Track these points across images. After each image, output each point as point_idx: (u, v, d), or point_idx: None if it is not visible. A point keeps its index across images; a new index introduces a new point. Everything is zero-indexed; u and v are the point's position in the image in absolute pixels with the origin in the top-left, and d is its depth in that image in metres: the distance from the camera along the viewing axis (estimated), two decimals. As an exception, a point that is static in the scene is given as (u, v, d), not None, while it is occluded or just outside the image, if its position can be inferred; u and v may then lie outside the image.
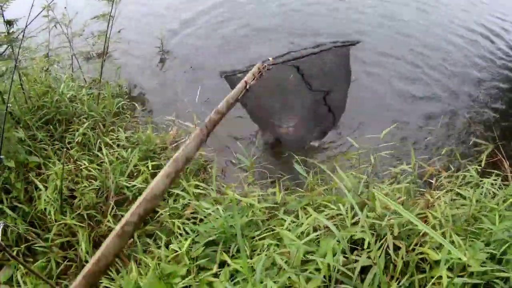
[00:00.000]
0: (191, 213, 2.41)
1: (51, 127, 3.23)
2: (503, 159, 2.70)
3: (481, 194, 2.23)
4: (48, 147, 2.97)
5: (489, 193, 2.29)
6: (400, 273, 1.69)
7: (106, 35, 3.74)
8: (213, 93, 4.21)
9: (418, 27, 5.76)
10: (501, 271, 1.67)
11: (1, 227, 1.85)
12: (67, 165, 2.71)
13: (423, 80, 4.70)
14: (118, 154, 2.92)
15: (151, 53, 5.20)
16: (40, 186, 2.53)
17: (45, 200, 2.48)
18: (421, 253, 1.74)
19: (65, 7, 3.92)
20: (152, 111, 4.19)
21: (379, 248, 1.72)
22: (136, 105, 4.08)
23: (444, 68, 4.91)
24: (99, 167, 2.77)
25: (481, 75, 4.87)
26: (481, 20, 6.00)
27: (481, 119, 4.27)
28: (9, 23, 2.96)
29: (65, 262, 2.37)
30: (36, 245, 2.36)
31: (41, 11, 3.42)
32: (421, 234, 1.83)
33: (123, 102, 3.86)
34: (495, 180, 2.35)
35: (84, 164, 2.76)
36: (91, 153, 2.95)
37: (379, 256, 1.68)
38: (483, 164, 2.29)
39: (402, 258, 1.72)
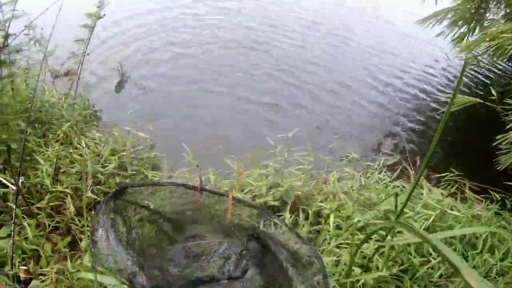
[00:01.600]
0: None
1: (36, 125, 4.22)
2: (408, 167, 4.12)
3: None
4: (35, 140, 4.00)
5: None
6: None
7: (83, 56, 4.84)
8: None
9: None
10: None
11: (21, 181, 2.86)
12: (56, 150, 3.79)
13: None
14: (94, 148, 4.02)
15: (111, 74, 6.41)
16: (41, 160, 3.54)
17: (42, 172, 3.53)
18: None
19: (42, 28, 4.91)
20: (111, 121, 5.17)
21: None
22: (101, 117, 5.20)
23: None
24: (80, 156, 3.87)
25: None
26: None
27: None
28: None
29: (53, 223, 3.33)
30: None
31: (23, 30, 4.43)
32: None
33: (91, 112, 4.95)
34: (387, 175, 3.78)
35: (69, 153, 3.85)
36: (71, 147, 4.02)
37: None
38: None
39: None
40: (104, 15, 4.66)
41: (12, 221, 2.53)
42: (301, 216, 3.14)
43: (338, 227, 3.07)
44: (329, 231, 2.99)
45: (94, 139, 4.20)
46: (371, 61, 7.83)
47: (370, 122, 6.07)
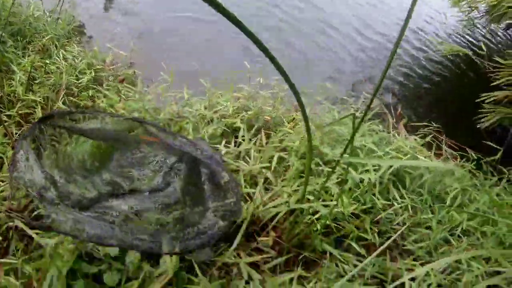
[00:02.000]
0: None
1: (18, 38, 4.21)
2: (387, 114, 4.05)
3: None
4: (15, 52, 4.00)
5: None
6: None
7: None
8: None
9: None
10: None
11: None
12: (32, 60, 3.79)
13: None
14: (72, 61, 4.01)
15: None
16: (16, 69, 3.54)
17: (16, 81, 3.53)
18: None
19: None
20: (94, 38, 5.17)
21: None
22: (85, 31, 5.17)
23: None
24: (56, 69, 3.86)
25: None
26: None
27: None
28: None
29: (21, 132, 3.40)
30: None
31: None
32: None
33: (74, 27, 4.91)
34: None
35: (45, 63, 3.85)
36: (49, 59, 4.01)
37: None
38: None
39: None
40: None
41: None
42: (263, 139, 3.08)
43: (302, 157, 2.99)
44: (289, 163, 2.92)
45: (73, 53, 4.17)
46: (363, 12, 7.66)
47: (355, 67, 5.99)
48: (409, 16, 1.20)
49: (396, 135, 3.51)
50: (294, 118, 3.46)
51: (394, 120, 3.85)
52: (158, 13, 6.17)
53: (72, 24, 4.87)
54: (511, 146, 3.85)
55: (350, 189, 2.65)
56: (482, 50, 4.02)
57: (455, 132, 4.11)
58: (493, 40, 7.62)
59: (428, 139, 3.48)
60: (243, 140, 2.98)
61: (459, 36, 7.32)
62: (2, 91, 3.49)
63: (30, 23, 4.36)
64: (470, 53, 3.93)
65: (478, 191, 3.03)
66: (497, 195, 3.00)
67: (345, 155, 1.74)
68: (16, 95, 3.46)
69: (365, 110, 1.59)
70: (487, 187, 3.12)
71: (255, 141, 3.03)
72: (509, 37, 7.78)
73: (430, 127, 3.79)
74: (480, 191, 3.06)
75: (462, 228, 2.62)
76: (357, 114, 3.66)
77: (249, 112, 3.31)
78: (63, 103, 3.53)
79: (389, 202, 2.74)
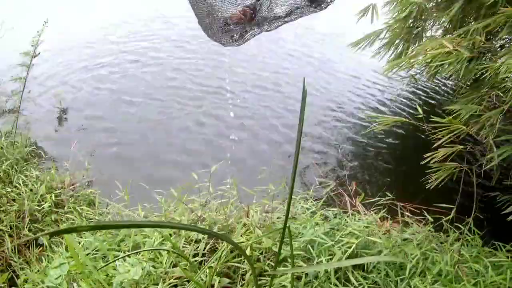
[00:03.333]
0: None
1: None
2: (343, 193, 4.40)
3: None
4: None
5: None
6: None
7: (21, 94, 5.17)
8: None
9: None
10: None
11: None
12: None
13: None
14: (32, 186, 4.34)
15: (52, 110, 6.73)
16: None
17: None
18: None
19: None
20: (53, 158, 5.53)
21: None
22: (42, 153, 5.46)
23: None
24: (17, 195, 4.17)
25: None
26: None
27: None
28: None
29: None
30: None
31: None
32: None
33: (30, 150, 5.23)
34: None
35: (7, 192, 4.16)
36: (10, 185, 4.32)
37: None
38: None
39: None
40: (39, 53, 5.02)
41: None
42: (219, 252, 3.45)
43: (257, 260, 3.36)
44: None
45: (33, 177, 4.49)
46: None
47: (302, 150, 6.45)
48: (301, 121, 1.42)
49: (356, 213, 3.90)
50: (245, 224, 3.84)
51: (351, 198, 4.26)
52: (109, 122, 6.69)
53: (28, 147, 5.19)
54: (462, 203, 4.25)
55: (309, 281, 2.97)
56: (419, 113, 4.47)
57: (410, 196, 4.47)
58: (438, 90, 8.49)
59: (383, 212, 3.89)
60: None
61: (401, 98, 8.13)
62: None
63: None
64: (406, 120, 4.40)
65: (439, 253, 3.31)
66: (458, 252, 3.32)
67: (279, 269, 2.10)
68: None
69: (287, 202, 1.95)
70: (447, 246, 3.43)
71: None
72: (450, 86, 8.64)
73: (386, 198, 4.10)
74: (441, 252, 3.34)
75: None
76: (308, 204, 4.10)
77: (204, 223, 3.69)
78: (29, 230, 3.84)
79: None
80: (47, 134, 6.17)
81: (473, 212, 3.80)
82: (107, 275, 2.92)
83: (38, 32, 4.84)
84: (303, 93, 1.38)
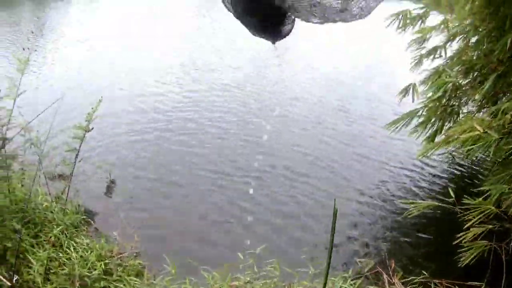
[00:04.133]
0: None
1: (29, 225, 4.70)
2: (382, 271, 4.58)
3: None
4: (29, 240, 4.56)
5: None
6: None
7: (74, 164, 5.50)
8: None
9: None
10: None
11: (15, 279, 3.38)
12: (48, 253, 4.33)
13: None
14: (82, 253, 4.56)
15: (102, 180, 7.11)
16: (33, 261, 4.06)
17: (34, 271, 4.04)
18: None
19: (37, 130, 5.51)
20: (100, 225, 5.76)
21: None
22: (91, 222, 5.71)
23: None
24: (68, 260, 4.40)
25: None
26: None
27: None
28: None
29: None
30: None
31: (19, 132, 5.02)
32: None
33: (81, 217, 5.47)
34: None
35: (59, 256, 4.39)
36: (61, 250, 4.56)
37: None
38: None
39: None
40: (92, 128, 5.34)
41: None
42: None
43: None
44: None
45: (83, 245, 4.71)
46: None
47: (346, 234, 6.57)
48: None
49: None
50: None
51: (390, 277, 4.42)
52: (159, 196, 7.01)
53: (79, 214, 5.42)
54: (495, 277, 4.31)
55: None
56: (451, 196, 4.63)
57: (445, 272, 4.66)
58: (473, 166, 8.56)
59: None
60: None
61: (436, 178, 8.22)
62: (22, 278, 4.00)
63: (39, 212, 4.92)
64: (438, 204, 4.60)
65: None
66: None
67: None
68: (34, 283, 3.99)
69: None
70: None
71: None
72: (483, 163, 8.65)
73: (422, 276, 4.32)
74: None
75: None
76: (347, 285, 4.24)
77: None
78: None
79: None
80: (96, 202, 6.45)
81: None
82: None
83: (92, 108, 5.19)
84: (334, 216, 1.52)
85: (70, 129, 5.60)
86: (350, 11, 1.87)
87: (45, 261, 4.14)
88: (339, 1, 1.83)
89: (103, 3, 27.70)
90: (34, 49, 4.90)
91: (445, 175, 8.43)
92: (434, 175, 8.38)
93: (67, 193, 5.43)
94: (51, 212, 5.05)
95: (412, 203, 5.21)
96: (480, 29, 5.84)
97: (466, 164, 8.76)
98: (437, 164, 8.74)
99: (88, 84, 11.62)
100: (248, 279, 4.19)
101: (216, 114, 10.56)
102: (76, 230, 5.11)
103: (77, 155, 5.32)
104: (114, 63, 14.15)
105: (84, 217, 5.52)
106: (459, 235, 4.63)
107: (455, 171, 8.57)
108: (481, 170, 8.44)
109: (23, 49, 4.92)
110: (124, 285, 4.19)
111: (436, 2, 6.96)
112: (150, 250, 5.33)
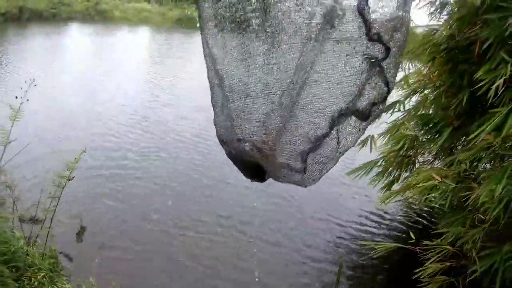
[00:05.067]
0: None
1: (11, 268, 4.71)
2: None
3: None
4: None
5: None
6: None
7: (54, 211, 5.54)
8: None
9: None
10: None
11: None
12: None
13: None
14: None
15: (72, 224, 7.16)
16: None
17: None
18: None
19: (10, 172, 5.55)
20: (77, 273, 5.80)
21: None
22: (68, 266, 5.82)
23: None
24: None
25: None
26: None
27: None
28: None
29: None
30: None
31: None
32: None
33: (55, 261, 5.53)
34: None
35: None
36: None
37: None
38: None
39: None
40: (74, 177, 5.46)
41: None
42: None
43: None
44: None
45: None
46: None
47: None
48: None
49: None
50: None
51: None
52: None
53: (54, 257, 5.53)
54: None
55: None
56: (411, 238, 5.11)
57: None
58: (430, 211, 9.11)
59: None
60: None
61: (395, 222, 8.85)
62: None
63: (19, 256, 4.95)
64: (400, 245, 5.07)
65: None
66: None
67: None
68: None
69: None
70: None
71: None
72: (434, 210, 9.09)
73: None
74: None
75: None
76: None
77: None
78: None
79: None
80: (68, 247, 6.53)
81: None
82: None
83: (76, 158, 5.33)
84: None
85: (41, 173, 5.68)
86: (310, 178, 2.14)
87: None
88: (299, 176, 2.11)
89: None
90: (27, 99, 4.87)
91: (403, 221, 9.05)
92: (392, 220, 9.01)
93: (46, 240, 5.49)
94: (27, 255, 5.08)
95: (376, 245, 5.66)
96: (438, 85, 6.41)
97: (420, 210, 9.41)
98: (394, 211, 9.38)
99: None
100: None
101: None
102: (55, 274, 5.18)
103: (57, 202, 5.40)
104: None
105: (60, 262, 5.56)
106: (417, 270, 5.12)
107: (411, 217, 9.22)
108: (434, 215, 9.06)
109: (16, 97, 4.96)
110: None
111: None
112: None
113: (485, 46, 4.78)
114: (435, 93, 6.67)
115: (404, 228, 8.61)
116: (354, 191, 10.06)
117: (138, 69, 20.65)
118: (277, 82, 1.88)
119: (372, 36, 1.77)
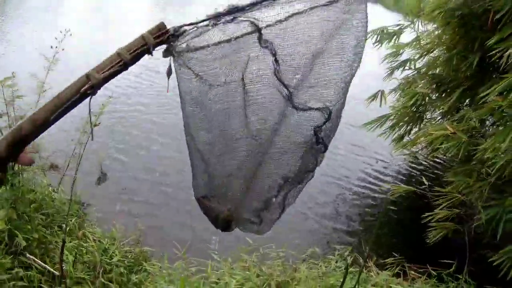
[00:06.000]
0: None
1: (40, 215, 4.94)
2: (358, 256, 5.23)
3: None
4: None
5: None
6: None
7: (80, 158, 5.80)
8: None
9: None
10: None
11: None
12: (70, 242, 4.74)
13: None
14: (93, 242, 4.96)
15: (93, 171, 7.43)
16: (67, 252, 4.43)
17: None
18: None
19: None
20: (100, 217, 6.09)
21: None
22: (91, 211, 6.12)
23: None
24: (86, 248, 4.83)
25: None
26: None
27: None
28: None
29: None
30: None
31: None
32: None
33: (80, 206, 5.90)
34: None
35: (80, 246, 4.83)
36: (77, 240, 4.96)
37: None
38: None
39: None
40: (100, 123, 5.70)
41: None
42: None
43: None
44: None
45: (94, 233, 5.17)
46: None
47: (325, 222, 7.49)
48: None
49: (371, 273, 4.75)
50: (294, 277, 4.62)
51: (365, 261, 5.04)
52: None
53: (80, 205, 5.87)
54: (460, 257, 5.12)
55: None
56: (424, 183, 5.41)
57: (417, 254, 5.58)
58: (436, 166, 9.62)
59: (397, 270, 4.81)
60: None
61: (405, 172, 9.39)
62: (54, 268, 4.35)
63: (46, 203, 5.24)
64: (414, 189, 5.40)
65: None
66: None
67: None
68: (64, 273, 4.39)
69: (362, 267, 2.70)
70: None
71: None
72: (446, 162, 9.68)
73: (395, 258, 5.05)
74: None
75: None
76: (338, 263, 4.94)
77: (260, 278, 4.43)
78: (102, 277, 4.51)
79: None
80: (92, 194, 6.73)
81: (466, 266, 4.90)
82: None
83: (103, 104, 5.55)
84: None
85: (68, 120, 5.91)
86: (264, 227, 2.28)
87: (73, 252, 4.52)
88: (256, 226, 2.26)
89: None
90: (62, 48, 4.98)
91: (414, 172, 9.59)
92: (404, 171, 9.62)
93: (72, 187, 5.76)
94: (52, 201, 5.42)
95: (392, 185, 6.07)
96: (450, 47, 6.68)
97: (431, 162, 9.92)
98: (405, 164, 9.92)
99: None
100: (256, 260, 4.75)
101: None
102: (81, 220, 5.55)
103: (84, 147, 5.65)
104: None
105: (85, 207, 5.94)
106: (428, 214, 5.54)
107: (422, 168, 9.75)
108: (440, 168, 9.60)
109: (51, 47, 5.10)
110: (145, 270, 4.71)
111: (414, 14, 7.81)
112: (151, 237, 5.84)
113: (498, 16, 5.04)
114: (446, 55, 6.88)
115: (418, 178, 9.02)
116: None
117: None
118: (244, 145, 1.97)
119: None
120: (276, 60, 1.66)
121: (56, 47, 4.95)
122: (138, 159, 8.34)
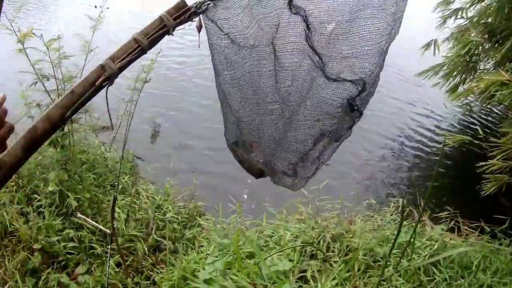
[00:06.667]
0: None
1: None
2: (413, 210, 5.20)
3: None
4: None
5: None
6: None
7: (132, 115, 5.83)
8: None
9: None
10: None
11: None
12: (122, 200, 4.86)
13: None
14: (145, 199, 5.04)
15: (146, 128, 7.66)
16: (119, 210, 4.54)
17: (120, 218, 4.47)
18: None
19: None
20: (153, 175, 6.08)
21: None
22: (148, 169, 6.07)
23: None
24: (139, 205, 4.89)
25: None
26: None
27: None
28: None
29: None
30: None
31: None
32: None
33: (133, 164, 5.98)
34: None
35: (134, 203, 4.90)
36: (130, 197, 5.03)
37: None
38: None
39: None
40: (150, 79, 5.70)
41: (108, 259, 3.43)
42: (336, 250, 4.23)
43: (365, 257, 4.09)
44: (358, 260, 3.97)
45: (148, 191, 5.23)
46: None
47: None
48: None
49: (426, 227, 4.68)
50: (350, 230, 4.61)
51: (420, 215, 5.00)
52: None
53: (134, 163, 5.96)
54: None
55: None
56: (480, 134, 5.29)
57: (471, 208, 5.51)
58: (489, 118, 9.47)
59: (451, 224, 4.71)
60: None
61: (458, 126, 9.28)
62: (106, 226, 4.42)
63: (99, 163, 5.33)
64: (470, 138, 5.26)
65: (496, 255, 4.11)
66: (511, 254, 4.16)
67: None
68: (116, 230, 4.48)
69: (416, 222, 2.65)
70: (504, 249, 4.26)
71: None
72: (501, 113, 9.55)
73: (449, 212, 4.94)
74: (498, 254, 4.17)
75: (487, 284, 3.68)
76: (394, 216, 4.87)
77: (315, 230, 4.43)
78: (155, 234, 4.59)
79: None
80: (145, 151, 6.97)
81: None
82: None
83: (152, 60, 5.54)
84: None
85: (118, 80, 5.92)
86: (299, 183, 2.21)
87: (126, 209, 4.61)
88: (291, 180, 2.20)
89: None
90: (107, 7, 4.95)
91: (469, 123, 9.48)
92: (459, 121, 9.56)
93: (124, 146, 5.83)
94: (105, 160, 5.51)
95: (449, 135, 5.92)
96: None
97: (481, 113, 9.78)
98: (456, 115, 9.81)
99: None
100: (311, 212, 4.72)
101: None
102: (134, 177, 5.63)
103: (135, 106, 5.70)
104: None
105: (138, 165, 6.02)
106: (482, 164, 5.38)
107: (471, 122, 9.55)
108: (495, 119, 9.45)
109: (95, 7, 5.08)
110: (198, 225, 4.76)
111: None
112: (206, 192, 5.94)
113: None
114: (499, 2, 6.63)
115: (473, 130, 9.00)
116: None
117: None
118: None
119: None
120: (308, 27, 1.56)
121: (101, 6, 4.92)
122: (192, 115, 8.43)
